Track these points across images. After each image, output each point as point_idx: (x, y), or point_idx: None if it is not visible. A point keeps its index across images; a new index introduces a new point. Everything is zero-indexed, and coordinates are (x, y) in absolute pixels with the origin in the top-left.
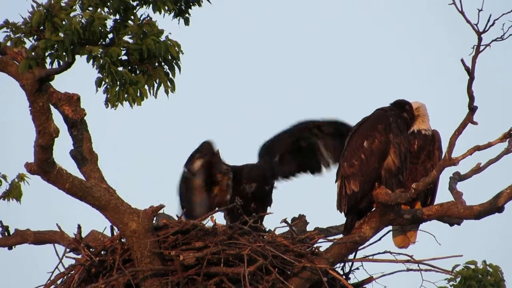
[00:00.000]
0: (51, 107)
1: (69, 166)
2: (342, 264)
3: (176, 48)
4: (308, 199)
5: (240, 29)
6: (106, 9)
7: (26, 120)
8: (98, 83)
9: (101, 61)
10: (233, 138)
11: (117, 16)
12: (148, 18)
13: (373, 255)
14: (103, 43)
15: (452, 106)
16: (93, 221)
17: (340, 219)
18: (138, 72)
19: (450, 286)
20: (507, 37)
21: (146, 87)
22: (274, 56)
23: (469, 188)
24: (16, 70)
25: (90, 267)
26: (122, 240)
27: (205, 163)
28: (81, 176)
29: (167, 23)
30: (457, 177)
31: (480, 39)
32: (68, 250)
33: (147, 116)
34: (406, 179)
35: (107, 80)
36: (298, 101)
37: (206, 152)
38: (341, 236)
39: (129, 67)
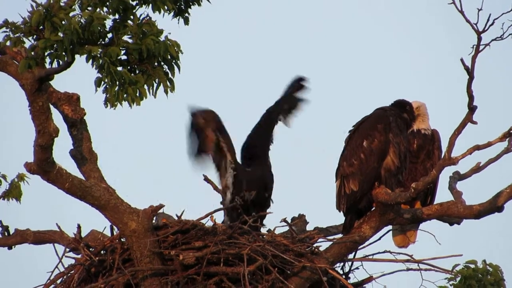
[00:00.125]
0: (51, 106)
1: (69, 165)
2: (342, 263)
3: (175, 48)
4: (308, 199)
5: (240, 28)
6: (105, 9)
7: (25, 119)
8: (98, 83)
9: (101, 61)
10: (233, 138)
11: (117, 16)
12: (148, 17)
13: (373, 254)
14: (103, 42)
15: (451, 106)
16: (93, 221)
17: (339, 218)
18: (137, 72)
19: (450, 285)
20: (507, 37)
21: (145, 87)
22: (273, 55)
23: (469, 188)
24: (15, 69)
25: (90, 266)
26: (122, 239)
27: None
28: (80, 176)
29: (166, 23)
30: (457, 177)
31: (479, 39)
32: (67, 249)
33: (147, 116)
34: (406, 179)
35: (106, 80)
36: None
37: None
38: (340, 235)
39: (129, 67)
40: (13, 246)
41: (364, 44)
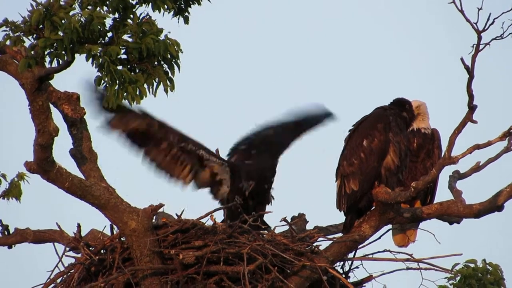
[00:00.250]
0: (51, 106)
1: (69, 165)
2: (341, 262)
3: (175, 47)
4: (308, 198)
5: (240, 28)
6: (105, 8)
7: (25, 119)
8: (98, 82)
9: (100, 60)
10: (233, 137)
11: (116, 15)
12: (148, 17)
13: (372, 253)
14: (102, 42)
15: (451, 105)
16: (93, 220)
17: (339, 218)
18: (137, 71)
19: (450, 285)
20: (507, 36)
21: (145, 86)
22: (273, 54)
23: (469, 187)
24: (15, 69)
25: (90, 266)
26: (122, 239)
27: None
28: (80, 175)
29: (166, 22)
30: (457, 176)
31: (479, 38)
32: (67, 249)
33: None
34: (406, 178)
35: (106, 79)
36: (298, 100)
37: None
38: (340, 235)
39: (128, 66)
40: (13, 245)
41: (364, 43)
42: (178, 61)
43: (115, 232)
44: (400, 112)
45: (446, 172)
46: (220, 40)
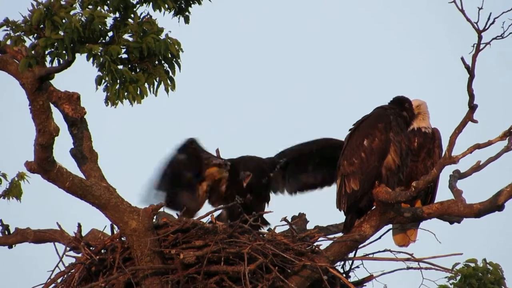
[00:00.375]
0: (51, 105)
1: (69, 164)
2: (342, 262)
3: (176, 46)
4: (308, 198)
5: (240, 27)
6: (106, 7)
7: (26, 118)
8: (98, 81)
9: (101, 59)
10: (233, 136)
11: (117, 14)
12: (148, 16)
13: (373, 253)
14: (103, 41)
15: (452, 104)
16: (93, 220)
17: (340, 217)
18: (138, 70)
19: (450, 284)
20: (507, 35)
21: (146, 85)
22: (274, 54)
23: (469, 186)
24: (16, 68)
25: (90, 265)
26: (122, 238)
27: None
28: (81, 175)
29: (167, 22)
30: (457, 175)
31: (480, 38)
32: (68, 248)
33: (147, 114)
34: (406, 177)
35: (107, 79)
36: (298, 99)
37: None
38: (341, 234)
39: (129, 65)
40: (13, 245)
41: (364, 43)
42: (178, 60)
43: (115, 232)
44: (400, 111)
45: (446, 172)
46: (221, 40)
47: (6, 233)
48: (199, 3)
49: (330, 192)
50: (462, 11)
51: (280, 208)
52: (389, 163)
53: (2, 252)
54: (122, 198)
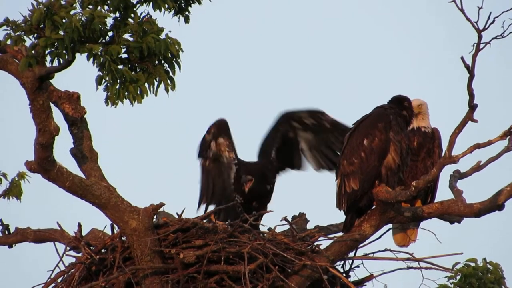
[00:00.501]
0: (51, 105)
1: (69, 164)
2: (342, 262)
3: (176, 46)
4: (308, 197)
5: (240, 27)
6: (106, 7)
7: (26, 118)
8: (98, 81)
9: (101, 59)
10: (233, 136)
11: (117, 14)
12: (148, 16)
13: (373, 253)
14: (103, 41)
15: (452, 104)
16: (94, 219)
17: (340, 217)
18: (138, 70)
19: (451, 284)
20: (507, 35)
21: (146, 85)
22: (274, 54)
23: (469, 186)
24: (16, 68)
25: (91, 265)
26: (123, 238)
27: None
28: (81, 174)
29: (167, 21)
30: (457, 175)
31: (480, 37)
32: (68, 248)
33: (148, 114)
34: (406, 177)
35: (107, 78)
36: (298, 99)
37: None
38: (341, 234)
39: (129, 65)
40: (13, 245)
41: (364, 43)
42: (178, 60)
43: (115, 232)
44: (400, 111)
45: (446, 172)
46: (221, 39)
47: (6, 232)
48: (199, 3)
49: (330, 192)
50: (462, 10)
51: (280, 208)
52: (389, 163)
53: (2, 252)
54: (122, 197)
